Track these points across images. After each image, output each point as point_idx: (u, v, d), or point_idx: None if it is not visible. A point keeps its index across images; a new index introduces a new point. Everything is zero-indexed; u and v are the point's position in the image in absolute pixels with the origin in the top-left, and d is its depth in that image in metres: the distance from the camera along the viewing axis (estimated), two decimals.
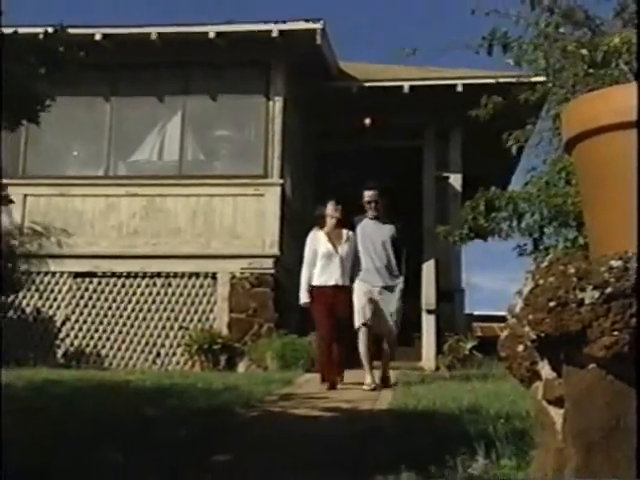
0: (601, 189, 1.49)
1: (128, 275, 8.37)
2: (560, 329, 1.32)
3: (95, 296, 8.41)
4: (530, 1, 5.26)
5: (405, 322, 6.10)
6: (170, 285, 8.32)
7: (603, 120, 1.45)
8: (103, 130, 8.91)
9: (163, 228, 8.48)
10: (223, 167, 8.96)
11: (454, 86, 8.83)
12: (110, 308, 8.37)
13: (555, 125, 5.19)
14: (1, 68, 2.50)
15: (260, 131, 8.69)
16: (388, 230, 5.90)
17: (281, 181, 8.50)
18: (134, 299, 8.35)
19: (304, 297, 5.84)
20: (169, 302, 8.29)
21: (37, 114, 2.79)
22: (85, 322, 8.39)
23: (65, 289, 8.47)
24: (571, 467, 1.31)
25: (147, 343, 8.27)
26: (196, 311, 8.28)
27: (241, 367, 7.86)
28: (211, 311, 8.26)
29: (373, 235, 5.87)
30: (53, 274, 8.44)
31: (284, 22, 8.38)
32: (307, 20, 8.38)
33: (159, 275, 8.33)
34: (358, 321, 5.65)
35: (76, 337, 8.36)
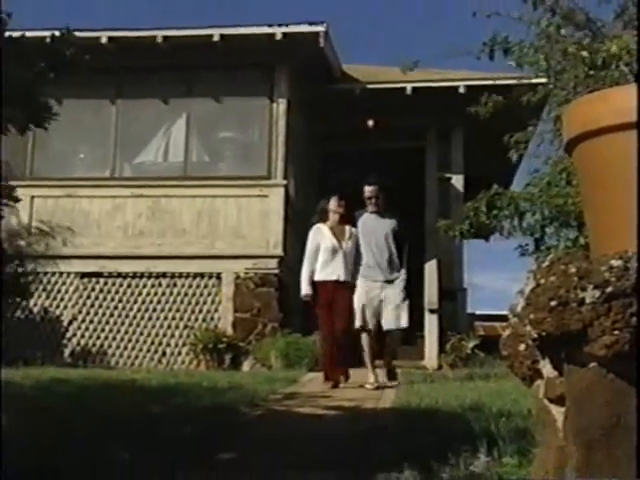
0: (601, 190, 1.49)
1: (134, 275, 8.39)
2: (561, 328, 1.32)
3: (101, 296, 8.43)
4: (532, 2, 5.26)
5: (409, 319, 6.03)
6: (175, 285, 8.33)
7: (603, 121, 1.45)
8: (109, 132, 8.94)
9: (168, 229, 8.50)
10: (227, 168, 8.97)
11: (456, 88, 8.83)
12: (116, 308, 8.39)
13: (556, 126, 5.18)
14: (1, 68, 2.50)
15: (264, 133, 8.70)
16: (389, 224, 5.80)
17: (285, 182, 8.50)
18: (140, 299, 8.37)
19: (306, 289, 5.68)
20: (174, 302, 8.31)
21: (45, 120, 2.80)
22: (92, 322, 8.41)
23: (72, 289, 8.49)
24: (572, 465, 1.31)
25: (153, 342, 8.28)
26: (201, 311, 8.29)
27: (246, 366, 7.87)
28: (216, 311, 8.27)
29: (374, 229, 5.77)
30: (60, 274, 8.46)
31: (287, 25, 8.39)
32: (310, 23, 8.38)
33: (164, 275, 8.35)
34: (358, 322, 5.60)
35: (83, 336, 8.38)
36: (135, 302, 8.37)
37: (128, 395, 4.50)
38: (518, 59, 5.40)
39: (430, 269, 8.90)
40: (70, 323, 8.42)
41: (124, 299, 8.39)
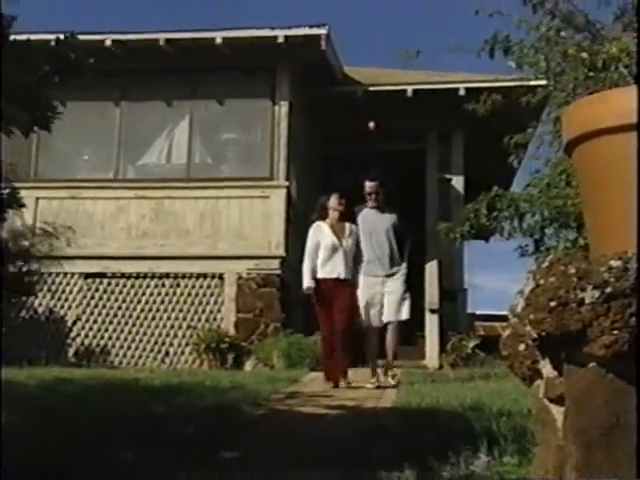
0: (601, 191, 1.49)
1: (137, 276, 8.39)
2: (561, 328, 1.32)
3: (105, 296, 8.44)
4: (532, 5, 5.26)
5: (409, 319, 5.96)
6: (178, 286, 8.34)
7: (603, 123, 1.45)
8: (113, 134, 8.95)
9: (171, 230, 8.50)
10: (230, 170, 8.98)
11: (456, 89, 8.82)
12: (120, 308, 8.40)
13: (556, 128, 5.18)
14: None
15: (266, 135, 8.70)
16: (389, 219, 5.74)
17: (287, 183, 8.51)
18: (143, 299, 8.38)
19: (308, 282, 5.56)
20: (177, 302, 8.31)
21: (49, 122, 2.80)
22: (95, 322, 8.42)
23: (76, 289, 8.50)
24: (571, 464, 1.31)
25: (156, 342, 8.29)
26: (204, 311, 8.29)
27: (248, 366, 7.87)
28: (218, 311, 8.27)
29: (374, 225, 5.71)
30: (64, 275, 8.47)
31: (289, 28, 8.39)
32: (312, 26, 8.39)
33: (168, 276, 8.35)
34: (363, 321, 5.57)
35: (87, 336, 8.38)
36: (138, 302, 8.38)
37: (132, 394, 4.50)
38: (518, 59, 5.40)
39: (431, 270, 8.90)
40: (74, 323, 8.42)
41: (127, 299, 8.40)
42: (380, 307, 5.54)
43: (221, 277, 8.29)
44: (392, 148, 9.56)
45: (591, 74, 4.87)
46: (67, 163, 9.20)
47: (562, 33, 5.32)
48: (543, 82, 5.70)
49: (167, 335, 8.28)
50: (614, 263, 1.32)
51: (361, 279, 5.60)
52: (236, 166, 8.99)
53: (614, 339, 1.28)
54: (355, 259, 5.66)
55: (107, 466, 2.53)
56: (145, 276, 8.38)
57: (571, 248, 5.04)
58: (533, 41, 5.42)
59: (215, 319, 8.25)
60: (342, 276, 5.56)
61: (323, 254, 5.61)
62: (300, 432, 3.51)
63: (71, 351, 8.28)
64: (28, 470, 2.38)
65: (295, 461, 2.86)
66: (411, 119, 9.15)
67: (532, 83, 5.85)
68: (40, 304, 8.42)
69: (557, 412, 1.38)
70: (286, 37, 8.30)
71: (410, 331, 6.82)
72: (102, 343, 8.33)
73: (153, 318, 8.32)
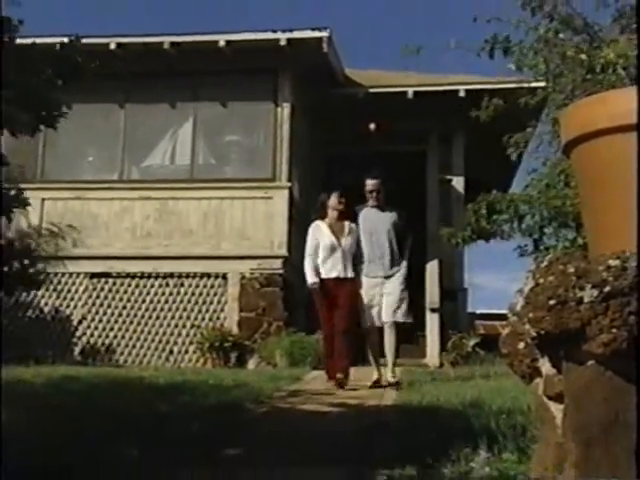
0: (600, 191, 1.49)
1: (142, 275, 8.40)
2: (560, 327, 1.32)
3: (110, 296, 8.44)
4: (531, 8, 5.26)
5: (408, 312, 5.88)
6: (182, 285, 8.34)
7: (601, 124, 1.45)
8: (117, 136, 8.95)
9: (175, 230, 8.51)
10: (233, 171, 8.98)
11: (456, 91, 8.82)
12: (125, 307, 8.40)
13: (554, 129, 5.18)
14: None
15: (269, 136, 8.71)
16: (389, 218, 5.66)
17: (289, 184, 8.51)
18: (148, 299, 8.38)
19: (312, 277, 5.47)
20: (181, 302, 8.32)
21: (55, 119, 2.80)
22: (101, 321, 8.43)
23: (81, 289, 8.51)
24: (571, 461, 1.31)
25: (160, 341, 8.29)
26: (207, 310, 8.30)
27: (251, 364, 7.87)
28: (222, 310, 8.28)
29: (375, 224, 5.64)
30: (70, 275, 8.48)
31: (291, 31, 8.39)
32: (314, 29, 8.38)
33: (172, 275, 8.36)
34: (363, 322, 5.51)
35: (92, 335, 8.39)
36: (143, 302, 8.39)
37: (136, 392, 4.50)
38: (518, 61, 5.41)
39: (431, 269, 8.90)
40: (80, 322, 8.43)
41: (132, 299, 8.41)
42: (380, 307, 5.50)
43: (224, 277, 8.29)
44: (393, 149, 9.55)
45: (589, 76, 4.87)
46: (73, 164, 9.21)
47: (561, 35, 5.32)
48: (542, 84, 5.70)
49: (171, 334, 8.28)
50: (612, 262, 1.32)
51: (362, 280, 5.54)
52: (239, 167, 8.99)
53: (613, 337, 1.28)
54: (355, 258, 5.60)
55: (113, 464, 2.53)
56: (149, 276, 8.39)
57: (570, 247, 5.03)
58: (532, 42, 5.42)
59: (218, 318, 8.26)
60: (342, 275, 5.50)
61: (322, 254, 5.55)
62: (303, 430, 3.51)
63: (77, 350, 8.29)
64: (35, 468, 2.38)
65: (298, 459, 2.86)
66: (412, 121, 9.14)
67: (532, 85, 5.85)
68: (46, 304, 8.44)
69: (556, 409, 1.37)
70: (288, 40, 8.30)
71: (411, 330, 6.79)
72: (107, 342, 8.34)
73: (157, 317, 8.33)
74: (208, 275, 8.32)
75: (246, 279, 8.19)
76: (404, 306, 5.49)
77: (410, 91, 8.93)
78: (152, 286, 8.39)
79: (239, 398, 4.32)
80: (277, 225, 8.33)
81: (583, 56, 4.94)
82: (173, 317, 8.30)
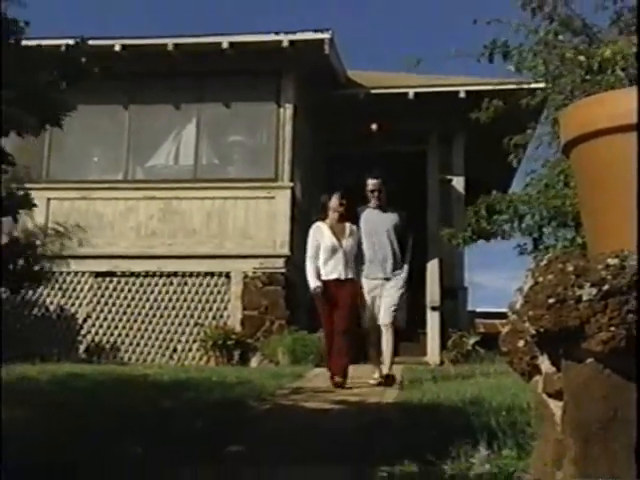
0: (598, 191, 1.49)
1: (146, 274, 8.40)
2: (559, 325, 1.32)
3: (115, 294, 8.45)
4: (531, 9, 5.26)
5: (411, 318, 5.83)
6: (186, 284, 8.35)
7: (601, 124, 1.45)
8: (122, 137, 8.96)
9: (179, 229, 8.51)
10: (236, 171, 8.98)
11: (457, 92, 8.81)
12: (129, 306, 8.41)
13: (554, 129, 5.18)
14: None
15: (271, 137, 8.71)
16: (391, 219, 5.61)
17: (291, 184, 8.51)
18: (152, 297, 8.39)
19: (314, 282, 5.40)
20: (185, 300, 8.32)
21: (59, 119, 2.81)
22: (105, 319, 8.43)
23: (86, 288, 8.52)
24: (569, 457, 1.31)
25: (164, 339, 8.30)
26: (211, 309, 8.30)
27: (254, 362, 7.87)
28: (225, 309, 8.28)
29: (376, 225, 5.58)
30: (75, 273, 8.49)
31: (294, 33, 8.39)
32: (316, 31, 8.39)
33: (175, 274, 8.37)
34: (363, 323, 5.46)
35: (97, 333, 8.40)
36: (147, 300, 8.39)
37: (141, 390, 4.51)
38: (517, 64, 5.40)
39: (432, 268, 8.90)
40: (85, 320, 8.44)
41: (136, 297, 8.42)
42: (379, 309, 5.45)
43: (227, 276, 8.30)
44: (394, 150, 9.55)
45: (588, 77, 4.86)
46: (78, 165, 9.22)
47: (560, 37, 5.32)
48: (541, 85, 5.69)
49: (175, 332, 8.29)
50: (611, 261, 1.32)
51: (363, 281, 5.49)
52: (242, 167, 9.00)
53: (611, 335, 1.28)
54: (357, 260, 5.54)
55: (117, 460, 2.53)
56: (154, 274, 8.39)
57: (569, 247, 5.03)
58: (531, 45, 5.41)
59: (222, 316, 8.26)
60: (343, 276, 5.44)
61: (323, 255, 5.49)
62: (305, 427, 3.52)
63: (82, 348, 8.30)
64: (39, 465, 2.39)
65: (300, 455, 2.86)
66: (413, 121, 9.14)
67: (531, 86, 5.84)
68: (51, 302, 8.45)
69: (555, 407, 1.37)
70: (291, 42, 8.30)
71: (412, 328, 6.79)
72: (112, 340, 8.35)
73: (161, 316, 8.34)
74: (211, 274, 8.32)
75: (249, 278, 8.20)
76: (402, 309, 5.44)
77: (411, 92, 8.93)
78: (156, 285, 8.39)
79: (242, 395, 4.32)
80: (279, 225, 8.33)
81: (582, 57, 4.93)
82: (177, 315, 8.30)
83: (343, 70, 9.11)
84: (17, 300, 8.09)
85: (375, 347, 5.53)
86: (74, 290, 8.52)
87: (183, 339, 8.25)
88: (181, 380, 5.20)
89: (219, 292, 8.32)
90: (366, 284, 5.49)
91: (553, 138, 5.32)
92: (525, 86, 5.87)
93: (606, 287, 1.29)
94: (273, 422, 3.75)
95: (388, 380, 5.31)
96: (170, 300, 8.34)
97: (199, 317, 8.26)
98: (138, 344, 8.33)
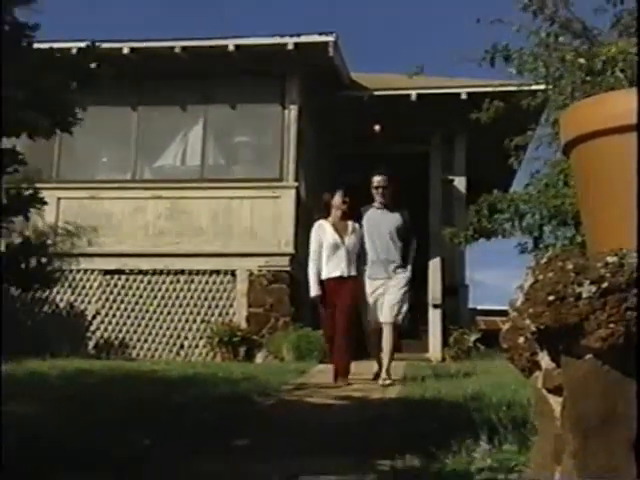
0: (598, 190, 1.49)
1: (154, 272, 8.42)
2: (559, 322, 1.32)
3: (123, 292, 8.47)
4: (532, 11, 5.25)
5: (413, 316, 5.77)
6: (192, 282, 8.36)
7: (600, 124, 1.44)
8: (130, 137, 8.98)
9: (186, 228, 8.52)
10: (242, 171, 8.99)
11: (458, 94, 8.80)
12: (137, 303, 8.43)
13: (554, 130, 5.17)
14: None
15: (276, 137, 8.71)
16: (395, 220, 5.51)
17: (296, 184, 8.51)
18: (159, 295, 8.41)
19: (315, 290, 5.37)
20: (192, 298, 8.34)
21: (70, 125, 2.82)
22: (114, 316, 8.46)
23: (95, 285, 8.54)
24: (569, 451, 1.31)
25: (171, 336, 8.32)
26: (217, 306, 8.32)
27: (259, 358, 7.88)
28: (231, 306, 8.29)
29: (379, 225, 5.49)
30: (85, 271, 8.52)
31: (299, 35, 8.39)
32: (320, 33, 8.38)
33: (182, 272, 8.38)
34: (365, 322, 5.41)
35: (106, 330, 8.42)
36: (155, 298, 8.41)
37: (149, 385, 4.52)
38: (518, 67, 5.40)
39: (434, 266, 8.89)
40: (94, 317, 8.47)
41: (144, 295, 8.44)
42: (380, 309, 5.37)
43: (233, 274, 8.31)
44: (397, 150, 9.54)
45: (588, 78, 4.86)
46: (87, 165, 9.25)
47: (560, 39, 5.31)
48: (542, 86, 5.68)
49: (182, 329, 8.30)
50: (610, 259, 1.32)
51: (365, 281, 5.41)
52: (248, 167, 9.00)
53: (610, 332, 1.28)
54: (359, 259, 5.47)
55: (127, 452, 2.54)
56: (161, 272, 8.41)
57: (569, 245, 5.02)
58: (532, 47, 5.41)
59: (227, 314, 8.27)
60: (345, 274, 5.36)
61: (325, 252, 5.42)
62: (309, 421, 3.52)
63: (91, 344, 8.32)
64: (46, 458, 2.40)
65: (304, 448, 2.86)
66: (415, 123, 9.13)
67: (532, 88, 5.83)
68: (62, 299, 8.48)
69: (555, 402, 1.37)
70: (295, 44, 8.30)
71: (414, 325, 6.78)
72: (120, 336, 8.37)
73: (169, 313, 8.35)
74: (218, 272, 8.33)
75: (254, 276, 8.20)
76: (403, 309, 5.35)
77: (414, 94, 8.91)
78: (163, 282, 8.41)
79: (248, 390, 4.33)
80: (284, 224, 8.33)
81: (582, 59, 4.92)
82: (184, 312, 8.32)
83: (347, 72, 9.11)
84: (28, 297, 8.12)
85: (376, 348, 5.46)
86: (83, 287, 8.55)
87: (190, 336, 8.27)
88: (188, 376, 5.21)
89: (225, 290, 8.33)
90: (369, 285, 5.40)
91: (553, 139, 5.32)
92: (526, 88, 5.86)
93: (605, 285, 1.29)
94: (278, 416, 3.75)
95: (381, 376, 5.21)
96: (177, 297, 8.35)
97: (205, 314, 8.27)
98: (146, 340, 8.36)
